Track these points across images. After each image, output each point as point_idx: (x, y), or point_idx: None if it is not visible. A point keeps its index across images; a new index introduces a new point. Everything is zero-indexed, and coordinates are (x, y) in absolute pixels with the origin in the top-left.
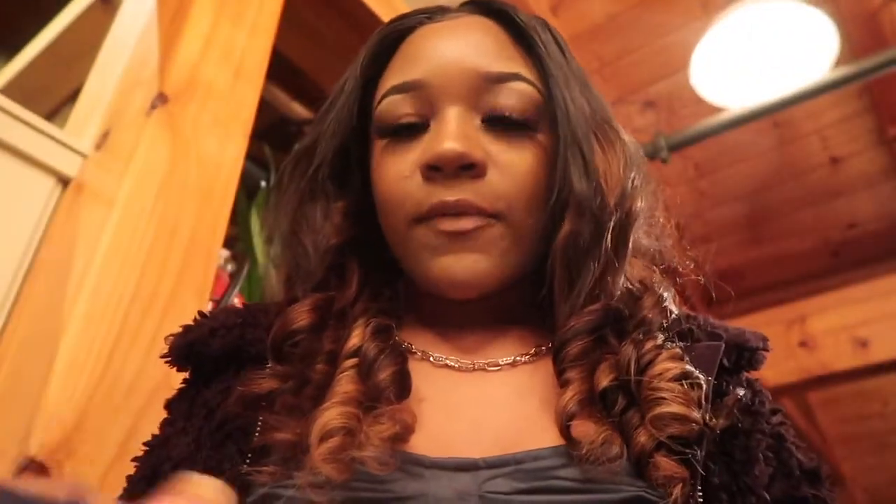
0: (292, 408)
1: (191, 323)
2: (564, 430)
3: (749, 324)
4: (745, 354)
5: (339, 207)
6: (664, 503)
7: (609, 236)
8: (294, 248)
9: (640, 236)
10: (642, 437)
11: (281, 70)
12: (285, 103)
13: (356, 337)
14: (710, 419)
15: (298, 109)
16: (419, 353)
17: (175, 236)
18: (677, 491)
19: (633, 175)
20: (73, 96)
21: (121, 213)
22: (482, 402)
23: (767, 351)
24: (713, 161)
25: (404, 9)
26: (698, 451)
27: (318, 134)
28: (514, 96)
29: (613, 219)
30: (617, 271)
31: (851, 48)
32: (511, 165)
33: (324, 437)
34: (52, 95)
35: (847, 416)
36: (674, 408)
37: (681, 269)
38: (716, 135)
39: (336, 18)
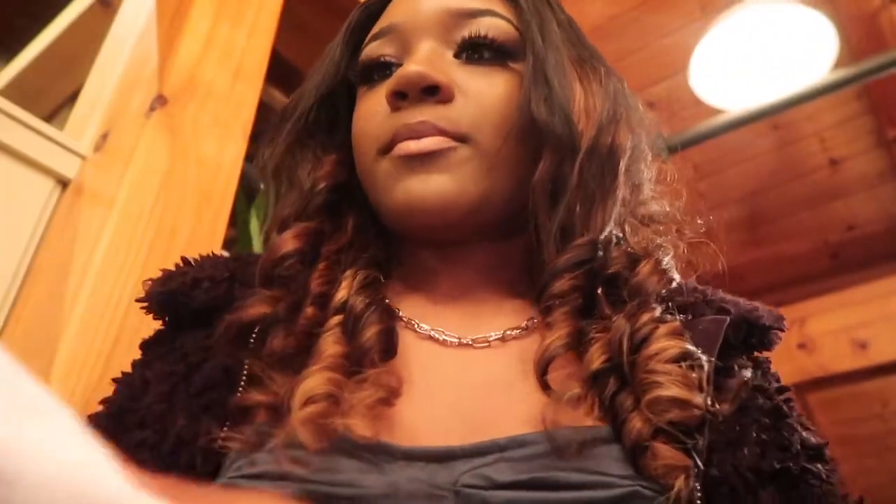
0: (279, 358)
1: (171, 269)
2: (541, 379)
3: None
4: (755, 332)
5: (332, 159)
6: (664, 498)
7: (587, 169)
8: (284, 186)
9: (646, 198)
10: (638, 423)
11: (280, 71)
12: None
13: (344, 289)
14: (713, 404)
15: None
16: (405, 320)
17: (174, 238)
18: (680, 482)
19: (611, 108)
20: (72, 98)
21: (120, 214)
22: (465, 383)
23: (782, 330)
24: (712, 163)
25: None
26: (699, 440)
27: (304, 89)
28: (487, 28)
29: (590, 151)
30: (604, 207)
31: (850, 50)
32: (480, 92)
33: (306, 403)
34: (51, 97)
35: (846, 418)
36: (673, 391)
37: (687, 235)
38: (715, 136)
39: (335, 20)
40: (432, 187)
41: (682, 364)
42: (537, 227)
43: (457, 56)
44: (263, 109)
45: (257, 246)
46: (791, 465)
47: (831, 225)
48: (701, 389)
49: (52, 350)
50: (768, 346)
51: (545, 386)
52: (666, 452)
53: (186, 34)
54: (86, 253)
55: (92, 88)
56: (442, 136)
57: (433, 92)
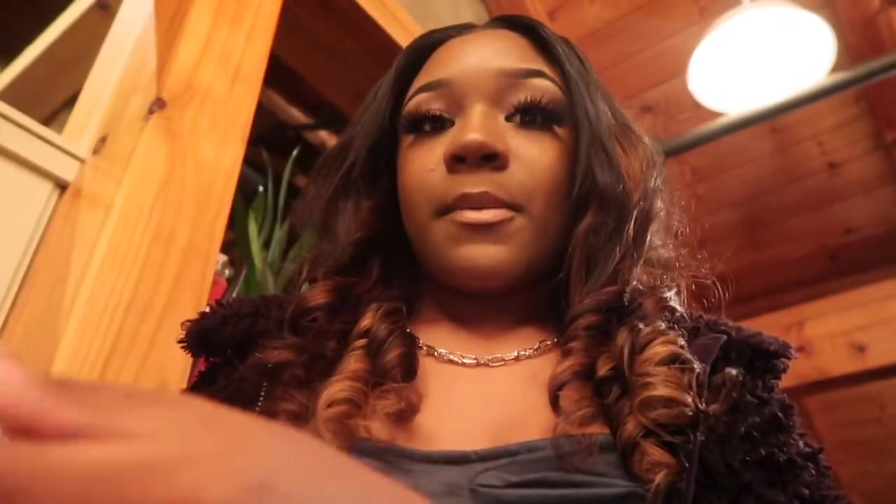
0: (301, 381)
1: (207, 310)
2: (552, 399)
3: None
4: (760, 357)
5: (368, 205)
6: (644, 490)
7: (630, 228)
8: (323, 236)
9: (656, 244)
10: (629, 425)
11: (279, 75)
12: (283, 108)
13: (367, 319)
14: (704, 404)
15: (296, 114)
16: (425, 348)
17: (172, 241)
18: (660, 478)
19: (654, 175)
20: (70, 101)
21: (118, 217)
22: (482, 396)
23: (789, 358)
24: (711, 166)
25: (402, 15)
26: (690, 440)
27: (352, 135)
28: (537, 91)
29: (636, 212)
30: (634, 262)
31: (849, 53)
32: (533, 159)
33: (330, 405)
34: (50, 100)
35: (844, 422)
36: (660, 391)
37: (689, 275)
38: (713, 140)
39: (334, 23)
40: (489, 254)
41: (673, 366)
42: (569, 272)
43: (508, 118)
44: (262, 113)
45: (255, 249)
46: (776, 451)
47: (830, 228)
48: (691, 390)
49: (50, 352)
50: (774, 372)
51: (556, 406)
52: (652, 451)
53: (185, 37)
54: (84, 256)
55: (90, 92)
56: (500, 206)
57: (491, 158)
